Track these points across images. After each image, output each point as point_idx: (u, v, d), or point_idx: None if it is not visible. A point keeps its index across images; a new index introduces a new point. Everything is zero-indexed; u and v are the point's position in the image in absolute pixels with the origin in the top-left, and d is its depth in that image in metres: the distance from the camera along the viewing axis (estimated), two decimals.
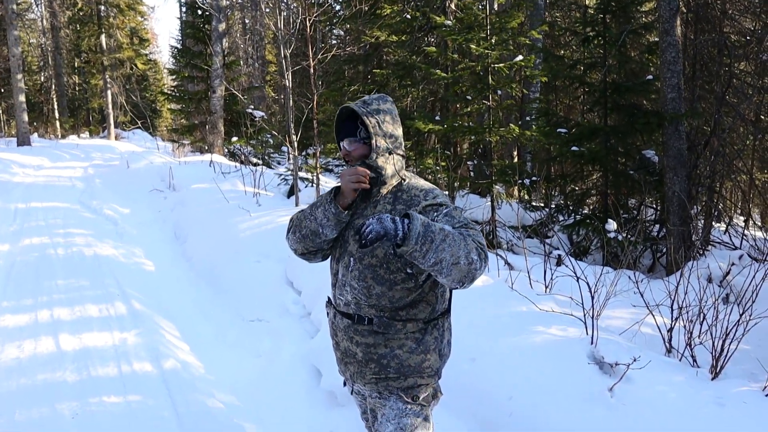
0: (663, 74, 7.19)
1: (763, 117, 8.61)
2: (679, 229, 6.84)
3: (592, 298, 3.96)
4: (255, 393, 4.61)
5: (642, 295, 5.06)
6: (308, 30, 8.32)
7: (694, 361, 4.60)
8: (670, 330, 4.79)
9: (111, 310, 6.00)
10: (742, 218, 9.74)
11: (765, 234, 8.35)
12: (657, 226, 7.68)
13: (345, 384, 2.91)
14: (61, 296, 6.40)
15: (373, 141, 2.48)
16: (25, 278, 7.10)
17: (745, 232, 7.93)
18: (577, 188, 8.76)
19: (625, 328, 4.90)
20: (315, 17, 8.85)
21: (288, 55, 8.44)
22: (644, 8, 9.34)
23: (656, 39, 8.53)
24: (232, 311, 6.33)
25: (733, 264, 6.42)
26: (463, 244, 2.20)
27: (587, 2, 15.28)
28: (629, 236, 7.04)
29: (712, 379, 3.82)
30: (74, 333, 5.39)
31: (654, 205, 7.64)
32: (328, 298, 2.83)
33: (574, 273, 4.36)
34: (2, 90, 28.81)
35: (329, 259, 2.73)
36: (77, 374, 4.62)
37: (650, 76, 7.68)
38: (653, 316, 4.82)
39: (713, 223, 7.95)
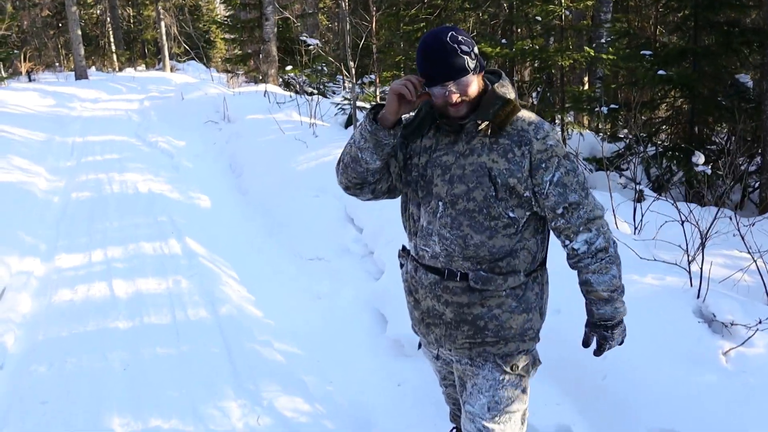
0: None
1: None
2: None
3: (703, 244, 3.42)
4: (315, 340, 4.30)
5: (743, 238, 4.50)
6: None
7: None
8: None
9: (165, 249, 5.77)
10: None
11: None
12: (749, 159, 6.94)
13: (420, 346, 2.52)
14: (115, 235, 6.21)
15: (468, 62, 2.00)
16: (80, 216, 6.95)
17: None
18: (659, 117, 8.01)
19: (723, 277, 4.36)
20: None
21: None
22: None
23: None
24: (290, 249, 6.01)
25: None
26: (616, 258, 2.16)
27: None
28: (718, 170, 6.35)
29: None
30: (127, 276, 5.18)
31: (747, 136, 6.87)
32: (404, 247, 2.41)
33: (680, 215, 3.80)
34: (59, 24, 28.80)
35: (404, 200, 2.29)
36: (130, 321, 4.39)
37: None
38: (756, 263, 4.26)
39: None
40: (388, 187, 2.25)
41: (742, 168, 6.79)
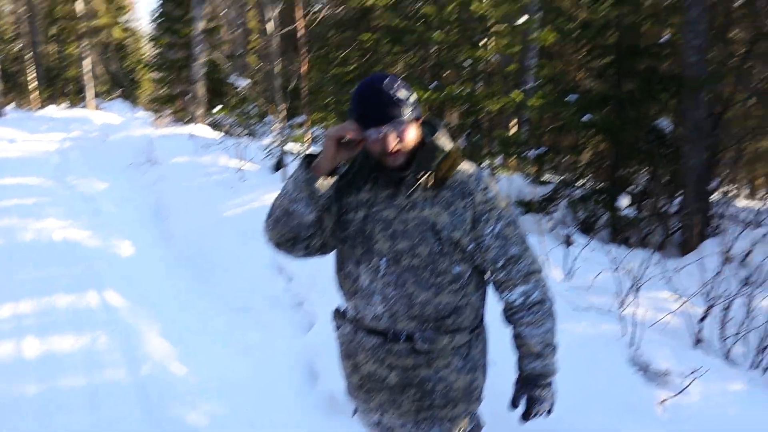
0: (685, 35, 6.59)
1: None
2: (696, 205, 6.34)
3: (636, 292, 3.43)
4: (243, 398, 4.07)
5: (669, 281, 4.59)
6: None
7: (728, 352, 4.15)
8: (702, 319, 4.32)
9: (82, 302, 5.42)
10: (761, 192, 9.32)
11: None
12: (670, 201, 7.18)
13: (355, 413, 2.38)
14: (27, 288, 5.79)
15: (405, 110, 1.95)
16: None
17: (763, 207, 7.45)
18: (583, 160, 8.23)
19: (652, 320, 4.41)
20: None
21: (275, 16, 7.76)
22: None
23: None
24: (217, 299, 5.77)
25: (756, 243, 5.93)
26: (552, 314, 2.11)
27: None
28: (642, 212, 6.54)
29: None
30: (39, 334, 4.81)
31: (667, 179, 7.13)
32: (339, 310, 2.29)
33: (612, 262, 3.82)
34: None
35: (339, 258, 2.16)
36: (40, 385, 4.05)
37: (667, 36, 7.10)
38: (684, 304, 4.34)
39: (730, 198, 7.49)
40: (322, 243, 2.13)
41: (664, 210, 7.03)
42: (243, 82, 15.56)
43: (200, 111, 14.87)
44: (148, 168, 11.12)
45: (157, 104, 18.07)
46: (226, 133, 14.30)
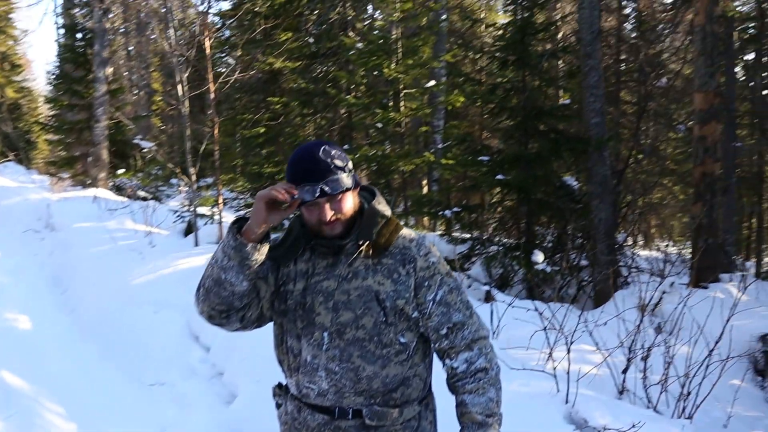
0: (586, 98, 7.01)
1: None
2: (607, 257, 6.61)
3: (569, 350, 3.47)
4: None
5: (591, 334, 4.69)
6: (208, 50, 7.57)
7: (649, 401, 4.27)
8: (625, 371, 4.44)
9: None
10: (662, 243, 9.85)
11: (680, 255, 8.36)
12: (581, 255, 7.46)
13: None
14: None
15: (342, 178, 1.90)
16: None
17: (666, 257, 7.87)
18: (496, 218, 8.46)
19: (578, 372, 4.49)
20: (213, 37, 8.12)
21: (185, 79, 7.63)
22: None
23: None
24: (128, 374, 5.40)
25: (664, 292, 6.21)
26: (497, 382, 2.00)
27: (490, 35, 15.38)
28: (556, 267, 6.74)
29: None
30: None
31: (578, 234, 7.42)
32: (280, 384, 2.16)
33: (541, 319, 3.87)
34: None
35: (279, 332, 2.05)
36: None
37: (567, 100, 7.52)
38: (605, 356, 4.44)
39: (636, 249, 7.87)
40: (259, 315, 2.02)
41: (576, 263, 7.28)
42: (148, 145, 15.18)
43: (102, 174, 14.29)
44: (46, 234, 10.50)
45: (55, 167, 17.25)
46: (130, 196, 13.80)
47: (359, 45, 8.17)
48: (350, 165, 1.93)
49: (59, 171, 16.80)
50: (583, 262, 7.46)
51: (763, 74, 12.55)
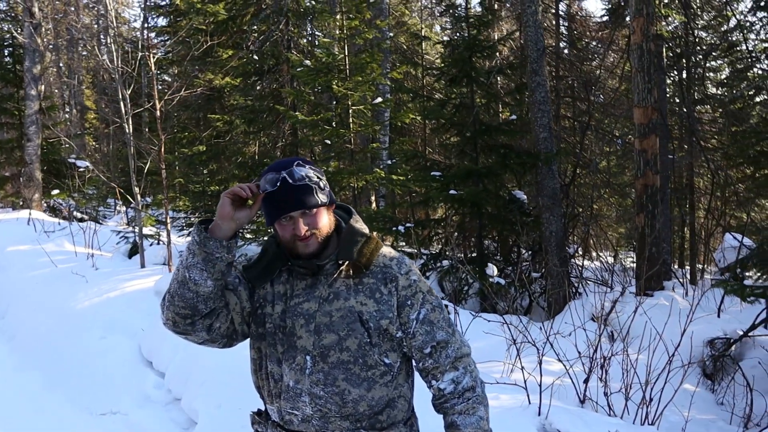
0: (533, 114, 7.16)
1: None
2: (559, 269, 6.74)
3: (541, 363, 3.50)
4: None
5: (552, 345, 4.75)
6: (152, 67, 7.39)
7: (610, 409, 4.35)
8: (587, 380, 4.51)
9: None
10: (603, 254, 10.13)
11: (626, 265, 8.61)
12: (533, 267, 7.60)
13: None
14: None
15: (317, 192, 1.87)
16: None
17: (609, 267, 8.09)
18: (447, 233, 8.53)
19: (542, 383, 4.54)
20: (155, 54, 7.93)
21: (127, 96, 7.41)
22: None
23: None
24: (77, 403, 5.17)
25: (616, 301, 6.37)
26: (484, 399, 1.99)
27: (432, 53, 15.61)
28: (511, 281, 6.83)
29: None
30: None
31: (530, 246, 7.56)
32: (260, 411, 2.09)
33: (509, 332, 3.89)
34: None
35: (258, 357, 1.98)
36: None
37: (513, 116, 7.68)
38: (565, 366, 4.51)
39: (586, 261, 8.06)
40: (228, 330, 1.93)
41: (528, 276, 7.40)
42: (83, 164, 14.67)
43: (36, 195, 13.71)
44: None
45: None
46: (66, 218, 13.30)
47: (307, 62, 8.12)
48: (325, 181, 1.90)
49: None
50: (535, 274, 7.59)
51: (692, 90, 13.14)
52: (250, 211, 1.83)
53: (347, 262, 1.87)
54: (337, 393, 1.86)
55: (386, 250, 1.98)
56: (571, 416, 3.20)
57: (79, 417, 4.94)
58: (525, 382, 3.51)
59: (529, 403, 3.43)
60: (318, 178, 1.86)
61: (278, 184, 1.81)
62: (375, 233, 2.09)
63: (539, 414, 3.28)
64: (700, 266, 12.26)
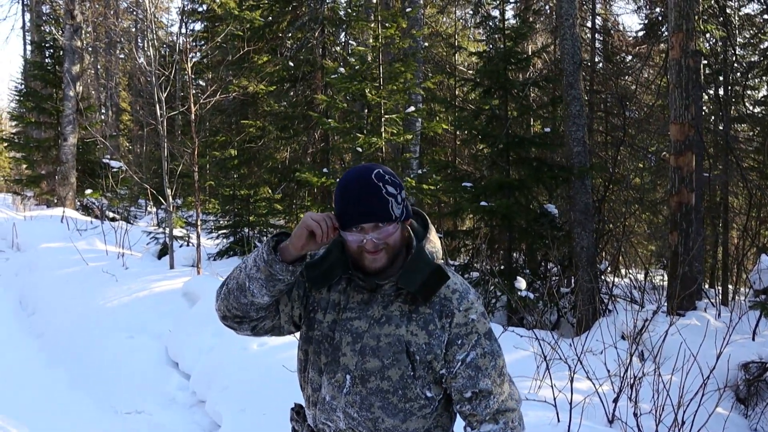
0: (568, 128, 7.08)
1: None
2: (589, 285, 6.63)
3: (572, 381, 3.42)
4: None
5: (581, 363, 4.66)
6: (189, 71, 7.48)
7: (639, 431, 4.24)
8: (616, 400, 4.41)
9: None
10: (638, 271, 9.97)
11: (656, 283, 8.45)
12: (563, 282, 7.49)
13: None
14: None
15: (395, 210, 1.74)
16: None
17: (640, 284, 7.94)
18: (475, 243, 8.46)
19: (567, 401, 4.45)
20: (192, 58, 8.02)
21: (163, 98, 7.50)
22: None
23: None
24: (102, 402, 5.20)
25: (647, 320, 6.23)
26: None
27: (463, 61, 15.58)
28: (540, 295, 6.74)
29: None
30: None
31: (560, 261, 7.45)
32: (299, 411, 2.05)
33: (541, 349, 3.82)
34: None
35: (303, 358, 1.93)
36: None
37: (547, 129, 7.60)
38: (595, 385, 4.41)
39: (615, 277, 7.94)
40: (273, 326, 1.90)
41: (557, 291, 7.30)
42: (117, 164, 14.89)
43: (70, 193, 13.97)
44: (11, 254, 10.17)
45: (20, 186, 16.81)
46: (98, 217, 13.50)
47: (341, 70, 8.13)
48: (403, 193, 1.78)
49: (24, 189, 16.38)
50: (564, 290, 7.48)
51: (729, 107, 12.91)
52: (322, 243, 1.74)
53: (408, 292, 1.77)
54: (370, 419, 1.80)
55: (452, 281, 1.82)
56: None
57: (103, 416, 4.97)
58: (555, 399, 3.44)
59: (558, 421, 3.35)
60: (396, 190, 1.74)
61: (364, 241, 1.71)
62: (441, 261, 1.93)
63: None
64: (731, 287, 12.00)
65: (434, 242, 1.87)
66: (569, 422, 3.22)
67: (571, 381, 3.50)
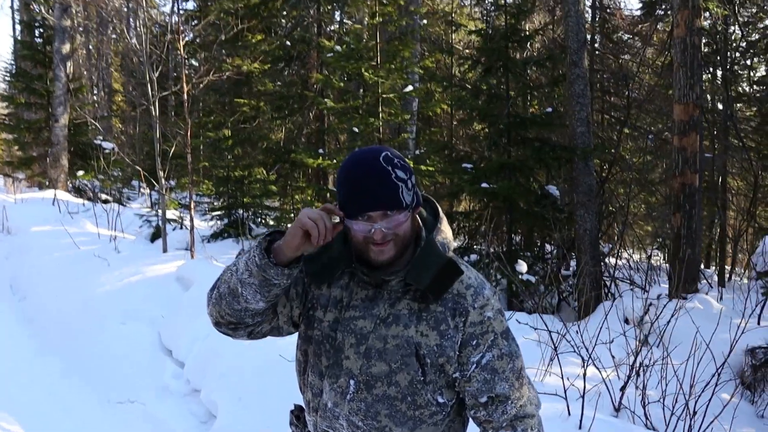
0: (571, 107, 6.91)
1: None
2: (592, 268, 6.50)
3: (585, 374, 3.28)
4: None
5: (587, 350, 4.54)
6: (181, 50, 7.26)
7: (647, 419, 4.13)
8: (623, 388, 4.29)
9: None
10: (635, 252, 9.85)
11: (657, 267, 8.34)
12: (565, 265, 7.37)
13: None
14: None
15: (405, 197, 1.57)
16: None
17: (641, 266, 7.82)
18: (475, 225, 8.32)
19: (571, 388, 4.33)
20: (184, 37, 7.80)
21: (155, 79, 7.30)
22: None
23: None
24: (94, 390, 5.07)
25: (650, 304, 6.11)
26: None
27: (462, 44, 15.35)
28: (541, 278, 6.62)
29: None
30: None
31: (562, 243, 7.32)
32: (300, 414, 1.90)
33: (552, 341, 3.69)
34: None
35: (303, 359, 1.77)
36: None
37: (550, 108, 7.43)
38: (601, 374, 4.29)
39: (618, 260, 7.83)
40: (271, 328, 1.75)
41: (559, 274, 7.18)
42: (109, 146, 14.65)
43: (62, 175, 13.74)
44: (3, 237, 9.99)
45: (10, 168, 16.56)
46: (91, 199, 13.30)
47: (338, 48, 7.91)
48: (414, 178, 1.61)
49: (15, 171, 16.14)
50: (565, 272, 7.36)
51: (729, 87, 12.74)
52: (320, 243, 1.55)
53: (416, 289, 1.61)
54: (376, 428, 1.64)
55: (466, 275, 1.65)
56: (612, 430, 3.00)
57: (96, 404, 4.84)
58: (565, 392, 3.30)
59: (569, 414, 3.22)
60: (406, 174, 1.57)
61: (372, 230, 1.54)
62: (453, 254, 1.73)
63: (580, 427, 3.07)
64: (728, 267, 11.92)
65: (446, 232, 1.70)
66: (581, 416, 3.09)
67: (584, 375, 3.36)
